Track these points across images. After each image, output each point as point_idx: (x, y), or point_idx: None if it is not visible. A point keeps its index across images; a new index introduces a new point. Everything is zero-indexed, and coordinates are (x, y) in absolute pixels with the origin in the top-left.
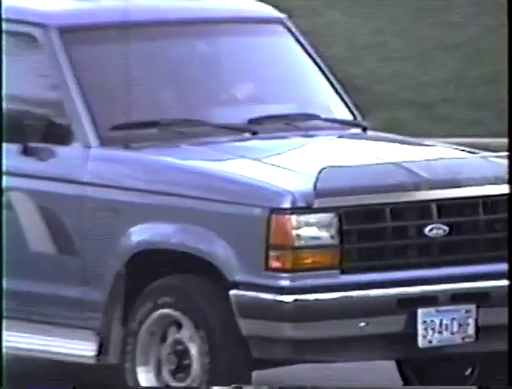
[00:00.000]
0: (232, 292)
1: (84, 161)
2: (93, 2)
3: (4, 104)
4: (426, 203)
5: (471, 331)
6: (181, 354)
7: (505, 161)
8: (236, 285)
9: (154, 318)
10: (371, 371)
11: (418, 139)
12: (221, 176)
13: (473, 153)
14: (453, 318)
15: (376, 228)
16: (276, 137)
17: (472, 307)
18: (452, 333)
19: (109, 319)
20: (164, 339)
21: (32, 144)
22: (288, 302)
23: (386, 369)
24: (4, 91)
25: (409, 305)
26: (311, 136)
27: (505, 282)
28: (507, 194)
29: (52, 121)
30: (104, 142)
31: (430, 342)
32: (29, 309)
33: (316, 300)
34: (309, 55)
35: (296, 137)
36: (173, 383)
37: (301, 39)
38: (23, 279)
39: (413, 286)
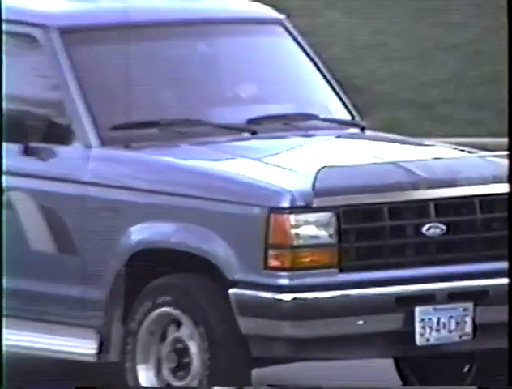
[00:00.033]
0: (232, 290)
1: (85, 161)
2: (93, 3)
3: (5, 105)
4: (424, 202)
5: (468, 329)
6: (181, 352)
7: (503, 160)
8: (236, 284)
9: (153, 317)
10: (369, 369)
11: (416, 139)
12: (220, 175)
13: (471, 153)
14: (450, 317)
15: (374, 227)
16: (275, 137)
17: (470, 305)
18: (449, 331)
19: (110, 318)
20: (163, 338)
21: (33, 144)
22: (286, 301)
23: (384, 367)
24: (5, 92)
25: (407, 303)
26: (310, 136)
27: (502, 280)
28: (505, 194)
29: (52, 121)
30: (104, 142)
31: (428, 340)
32: (30, 308)
33: (315, 298)
34: (308, 55)
35: (294, 137)
36: (174, 382)
37: (300, 39)
38: (25, 278)
39: (411, 284)
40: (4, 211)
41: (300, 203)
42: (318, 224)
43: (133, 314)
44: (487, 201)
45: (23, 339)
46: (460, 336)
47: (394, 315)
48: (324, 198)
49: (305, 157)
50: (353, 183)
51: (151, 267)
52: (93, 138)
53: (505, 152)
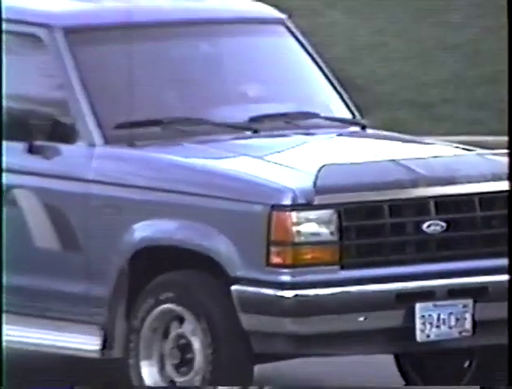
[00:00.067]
0: (234, 287)
1: (89, 159)
2: (97, 3)
3: (10, 104)
4: (424, 199)
5: (468, 325)
6: (184, 348)
7: (502, 158)
8: (238, 281)
9: (156, 314)
10: (369, 365)
11: (416, 137)
12: (223, 173)
13: (470, 151)
14: (450, 313)
15: (375, 225)
16: (277, 135)
17: (469, 302)
18: (449, 327)
19: (113, 314)
20: (166, 335)
21: (38, 143)
22: (288, 297)
23: (385, 363)
24: (10, 91)
25: (407, 300)
26: (311, 134)
27: (501, 277)
28: (504, 191)
29: (57, 120)
30: (108, 140)
31: (428, 336)
32: (34, 304)
33: (316, 295)
34: (309, 55)
35: (296, 135)
36: (177, 378)
37: (301, 39)
38: (29, 275)
39: (411, 281)
40: (9, 209)
41: (301, 201)
42: (320, 222)
43: (135, 311)
44: (486, 198)
45: (28, 335)
46: (460, 332)
47: (394, 312)
48: (325, 196)
49: (307, 155)
50: (354, 181)
51: (153, 264)
52: (97, 137)
53: (504, 150)
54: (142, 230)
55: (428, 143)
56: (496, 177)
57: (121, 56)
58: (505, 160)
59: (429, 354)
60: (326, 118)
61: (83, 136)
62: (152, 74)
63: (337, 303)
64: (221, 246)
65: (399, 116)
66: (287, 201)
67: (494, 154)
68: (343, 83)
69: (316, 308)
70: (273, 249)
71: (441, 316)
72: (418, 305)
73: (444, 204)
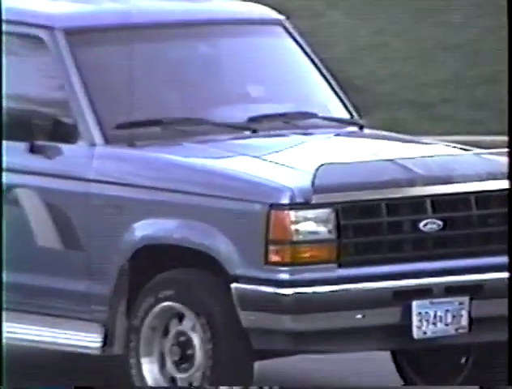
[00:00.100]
0: (233, 285)
1: (89, 159)
2: (97, 5)
3: (12, 104)
4: (421, 198)
5: (464, 322)
6: (184, 345)
7: (498, 158)
8: (237, 279)
9: (156, 312)
10: (369, 365)
11: (413, 137)
12: (222, 173)
13: (467, 150)
14: (447, 310)
15: (372, 223)
16: (275, 135)
17: (465, 299)
18: (446, 324)
19: (114, 312)
20: (166, 333)
21: (39, 142)
22: (287, 295)
23: (385, 363)
24: (11, 92)
25: (404, 297)
26: (309, 134)
27: (497, 275)
28: (500, 190)
29: (58, 120)
30: (108, 140)
31: (425, 333)
32: (37, 302)
33: (314, 293)
34: (307, 55)
35: (294, 135)
36: (177, 374)
37: (300, 39)
38: (31, 273)
39: (408, 279)
40: (11, 208)
41: (299, 200)
42: (318, 220)
43: (135, 310)
44: (482, 197)
45: (30, 332)
46: (456, 329)
47: (391, 309)
48: (323, 195)
49: (305, 155)
50: (352, 180)
51: (154, 262)
52: (97, 137)
53: (501, 150)
54: (143, 229)
55: (425, 143)
56: (491, 176)
57: (121, 57)
58: (501, 159)
59: (426, 351)
60: (324, 118)
61: (83, 136)
62: (152, 74)
63: (335, 301)
64: (221, 245)
65: (399, 116)
66: (285, 200)
67: (490, 153)
68: (341, 84)
69: (314, 305)
70: (272, 247)
71: (438, 313)
72: (415, 303)
73: (440, 203)
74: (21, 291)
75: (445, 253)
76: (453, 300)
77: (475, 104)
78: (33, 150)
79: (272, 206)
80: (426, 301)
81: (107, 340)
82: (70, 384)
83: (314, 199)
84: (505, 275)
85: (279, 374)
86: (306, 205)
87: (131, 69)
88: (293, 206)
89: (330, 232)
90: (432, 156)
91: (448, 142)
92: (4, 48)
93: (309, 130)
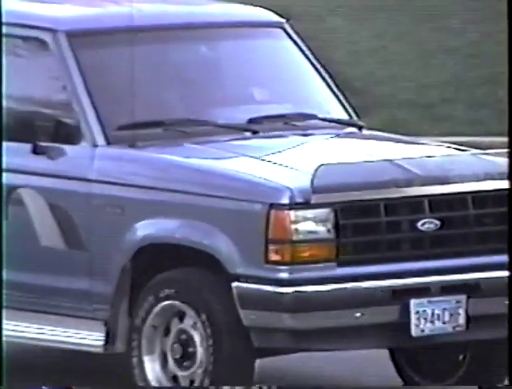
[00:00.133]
0: (234, 284)
1: (91, 160)
2: (100, 8)
3: (15, 106)
4: (418, 198)
5: (461, 320)
6: (185, 342)
7: (495, 158)
8: (238, 278)
9: (157, 311)
10: (369, 364)
11: (411, 138)
12: (223, 173)
13: (464, 151)
14: (444, 309)
15: (370, 223)
16: (275, 136)
17: (463, 298)
18: (443, 322)
19: (116, 311)
20: (167, 332)
21: (42, 143)
22: (287, 294)
23: (384, 362)
24: (15, 93)
25: (402, 296)
26: (309, 135)
27: (494, 273)
28: (496, 190)
29: (60, 121)
30: (110, 141)
31: (423, 331)
32: (40, 301)
33: (314, 291)
34: (307, 57)
35: (294, 136)
36: (179, 372)
37: (299, 42)
38: (34, 272)
39: (406, 278)
40: (15, 208)
41: (299, 200)
42: (317, 220)
43: (137, 309)
44: (479, 197)
45: (33, 331)
46: (454, 327)
47: (390, 307)
48: (322, 195)
49: (304, 155)
50: (350, 180)
51: (155, 261)
52: (99, 138)
53: (498, 150)
54: (144, 229)
55: (422, 144)
56: (488, 177)
57: (123, 59)
58: (498, 159)
59: (424, 349)
60: (324, 119)
61: (86, 137)
62: (154, 76)
63: (334, 299)
64: (221, 244)
65: (399, 116)
66: (285, 200)
67: (488, 154)
68: (341, 85)
69: (313, 304)
70: (271, 246)
71: (436, 311)
72: (413, 301)
73: (438, 203)
74: (25, 290)
75: (442, 252)
76: (450, 298)
77: (475, 105)
78: (36, 151)
79: (272, 206)
80: (424, 300)
81: (109, 338)
82: (70, 384)
83: (314, 199)
84: (502, 273)
85: (279, 374)
86: (306, 205)
87: (133, 71)
88: (293, 206)
89: (329, 231)
90: (429, 157)
91: (448, 142)
92: (8, 50)
93: (309, 131)
